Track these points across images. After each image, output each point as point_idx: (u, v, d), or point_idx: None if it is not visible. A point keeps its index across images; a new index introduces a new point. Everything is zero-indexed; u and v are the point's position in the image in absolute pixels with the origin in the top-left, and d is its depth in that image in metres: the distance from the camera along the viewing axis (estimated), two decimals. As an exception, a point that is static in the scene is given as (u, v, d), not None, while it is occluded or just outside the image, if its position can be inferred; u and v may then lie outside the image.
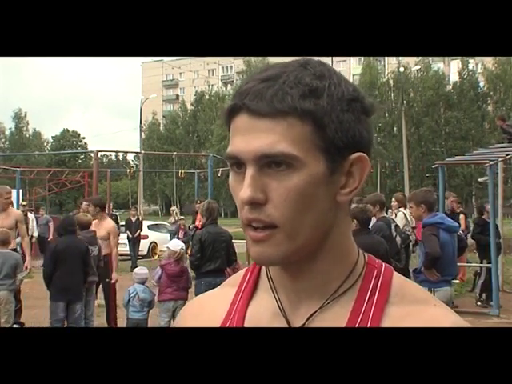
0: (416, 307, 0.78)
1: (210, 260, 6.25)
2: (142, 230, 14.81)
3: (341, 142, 0.75)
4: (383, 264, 0.84)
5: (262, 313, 0.84)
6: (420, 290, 0.82)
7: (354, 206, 7.43)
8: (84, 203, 12.43)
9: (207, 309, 0.90)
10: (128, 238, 14.78)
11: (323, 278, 0.80)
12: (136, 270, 6.72)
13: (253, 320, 0.84)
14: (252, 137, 0.75)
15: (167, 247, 6.73)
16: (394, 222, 7.51)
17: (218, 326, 0.86)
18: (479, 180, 18.29)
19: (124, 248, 15.97)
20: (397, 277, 0.82)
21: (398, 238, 7.02)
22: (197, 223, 11.72)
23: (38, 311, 7.27)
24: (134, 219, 14.93)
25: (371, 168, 0.81)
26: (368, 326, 0.77)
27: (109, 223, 7.61)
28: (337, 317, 0.79)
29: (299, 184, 0.74)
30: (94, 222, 7.28)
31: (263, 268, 0.88)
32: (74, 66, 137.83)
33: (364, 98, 0.79)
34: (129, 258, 15.14)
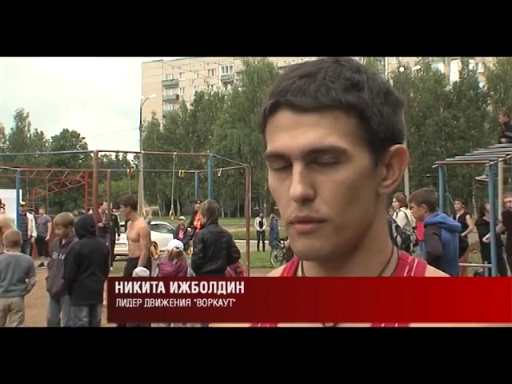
0: None
1: (211, 260, 6.20)
2: None
3: (383, 134, 0.76)
4: (416, 259, 0.83)
5: None
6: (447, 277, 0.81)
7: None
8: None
9: None
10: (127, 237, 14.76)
11: (359, 273, 0.79)
12: (136, 270, 6.67)
13: None
14: (298, 132, 0.74)
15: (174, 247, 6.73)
16: (395, 222, 7.52)
17: None
18: (477, 178, 18.29)
19: (124, 248, 15.97)
20: (430, 270, 0.82)
21: (399, 239, 7.02)
22: (195, 223, 11.73)
23: (38, 311, 7.27)
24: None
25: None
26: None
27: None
28: None
29: (348, 177, 0.74)
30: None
31: (299, 267, 0.87)
32: (74, 65, 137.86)
33: (394, 91, 0.79)
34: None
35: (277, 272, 0.92)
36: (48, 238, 14.72)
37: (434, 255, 5.02)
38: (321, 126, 0.74)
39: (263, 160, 0.81)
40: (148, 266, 6.92)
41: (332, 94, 0.73)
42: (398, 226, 7.39)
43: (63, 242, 6.14)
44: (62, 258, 5.96)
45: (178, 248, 6.65)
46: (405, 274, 0.80)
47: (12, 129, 63.71)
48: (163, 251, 7.24)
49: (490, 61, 48.21)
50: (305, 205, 0.75)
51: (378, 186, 0.78)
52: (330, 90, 0.73)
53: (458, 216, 10.18)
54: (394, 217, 8.19)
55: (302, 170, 0.74)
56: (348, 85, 0.74)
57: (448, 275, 0.83)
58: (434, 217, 5.30)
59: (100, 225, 12.00)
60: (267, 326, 0.81)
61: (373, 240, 0.80)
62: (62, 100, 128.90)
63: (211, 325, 0.84)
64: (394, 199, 9.29)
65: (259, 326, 0.83)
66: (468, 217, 10.99)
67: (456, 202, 11.10)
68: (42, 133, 66.55)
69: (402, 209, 8.85)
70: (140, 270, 6.59)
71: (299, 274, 0.87)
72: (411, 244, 7.79)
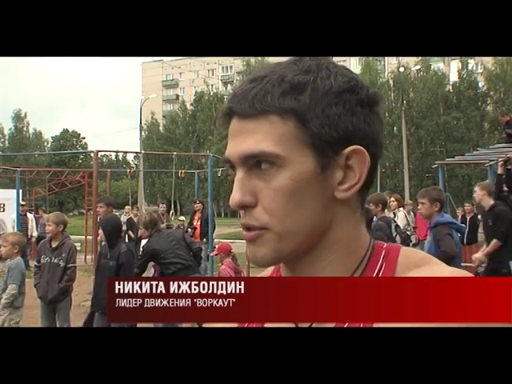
0: (418, 269, 0.75)
1: (173, 263, 6.33)
2: None
3: (329, 137, 0.74)
4: (391, 244, 0.82)
5: None
6: (423, 255, 0.80)
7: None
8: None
9: None
10: (129, 238, 14.75)
11: (327, 275, 0.78)
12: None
13: None
14: (240, 139, 0.75)
15: None
16: (395, 222, 7.52)
17: None
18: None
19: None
20: (404, 250, 0.80)
21: (398, 238, 7.02)
22: (195, 223, 11.73)
23: (38, 311, 7.25)
24: (136, 219, 14.86)
25: (369, 163, 0.77)
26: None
27: None
28: None
29: (285, 183, 0.73)
30: None
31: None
32: (73, 65, 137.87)
33: (361, 89, 0.76)
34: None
35: (266, 273, 0.91)
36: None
37: (449, 255, 5.00)
38: (257, 132, 0.73)
39: None
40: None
41: (267, 99, 0.73)
42: (397, 226, 7.39)
43: (53, 245, 5.97)
44: (55, 261, 5.85)
45: None
46: (380, 259, 0.79)
47: (10, 129, 63.73)
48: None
49: (489, 61, 48.21)
50: (246, 212, 0.75)
51: (335, 190, 0.76)
52: (267, 94, 0.73)
53: (468, 218, 10.16)
54: (393, 217, 8.19)
55: (242, 177, 0.75)
56: (287, 88, 0.73)
57: (419, 251, 0.82)
58: (441, 217, 5.30)
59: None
60: (255, 325, 0.82)
61: (336, 244, 0.78)
62: (60, 100, 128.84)
63: (208, 325, 0.85)
64: (392, 199, 9.28)
65: (254, 326, 0.83)
66: (480, 216, 11.00)
67: (466, 204, 11.06)
68: (40, 132, 66.60)
69: (401, 209, 8.86)
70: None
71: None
72: (411, 244, 7.79)
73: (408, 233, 8.00)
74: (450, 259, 5.00)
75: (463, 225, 5.99)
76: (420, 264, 0.77)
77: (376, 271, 0.78)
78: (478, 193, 6.87)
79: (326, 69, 0.76)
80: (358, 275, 0.78)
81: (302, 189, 0.74)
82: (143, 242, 7.52)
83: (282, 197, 0.73)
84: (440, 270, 0.75)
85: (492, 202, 6.81)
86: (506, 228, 6.53)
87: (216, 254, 7.03)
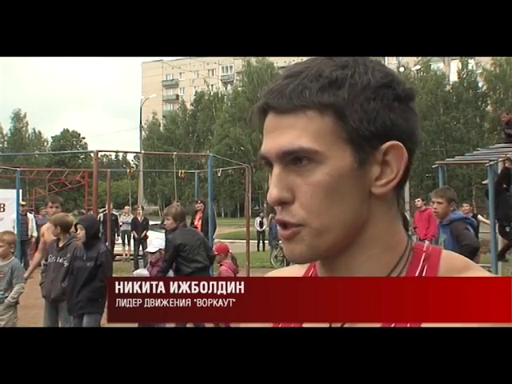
0: (461, 274, 0.75)
1: (192, 261, 6.26)
2: (148, 230, 14.65)
3: (367, 132, 0.73)
4: (431, 247, 0.81)
5: None
6: (465, 261, 0.79)
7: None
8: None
9: None
10: (134, 238, 14.71)
11: (364, 273, 0.77)
12: (138, 271, 6.56)
13: None
14: (276, 135, 0.74)
15: (159, 250, 6.64)
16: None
17: None
18: (483, 182, 18.31)
19: (122, 248, 15.97)
20: (446, 253, 0.79)
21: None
22: (195, 223, 11.72)
23: (38, 311, 7.24)
24: (140, 219, 14.84)
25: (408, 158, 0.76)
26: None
27: None
28: None
29: (323, 179, 0.73)
30: (46, 226, 6.68)
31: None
32: (73, 65, 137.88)
33: (398, 84, 0.76)
34: (131, 258, 15.14)
35: (302, 266, 0.90)
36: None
37: (473, 247, 5.06)
38: (295, 128, 0.73)
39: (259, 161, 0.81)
40: None
41: (305, 94, 0.72)
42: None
43: (60, 244, 5.96)
44: (60, 261, 5.83)
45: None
46: (420, 262, 0.78)
47: (10, 129, 63.71)
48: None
49: (488, 61, 48.20)
50: (283, 208, 0.74)
51: (372, 185, 0.75)
52: (305, 90, 0.73)
53: None
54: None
55: (280, 173, 0.74)
56: (325, 83, 0.73)
57: (460, 255, 0.81)
58: (455, 214, 5.40)
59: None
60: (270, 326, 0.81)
61: (373, 240, 0.77)
62: (60, 100, 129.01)
63: (209, 324, 0.85)
64: None
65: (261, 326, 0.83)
66: (480, 216, 11.08)
67: (464, 204, 11.09)
68: (40, 132, 66.58)
69: None
70: (141, 271, 6.51)
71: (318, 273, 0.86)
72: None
73: (409, 233, 8.01)
74: (474, 252, 5.04)
75: (474, 220, 6.08)
76: (462, 270, 0.76)
77: (417, 274, 0.77)
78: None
79: (363, 64, 0.75)
80: (396, 275, 0.78)
81: (340, 185, 0.73)
82: (151, 240, 7.44)
83: (320, 193, 0.73)
84: (483, 275, 0.75)
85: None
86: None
87: (216, 255, 7.03)
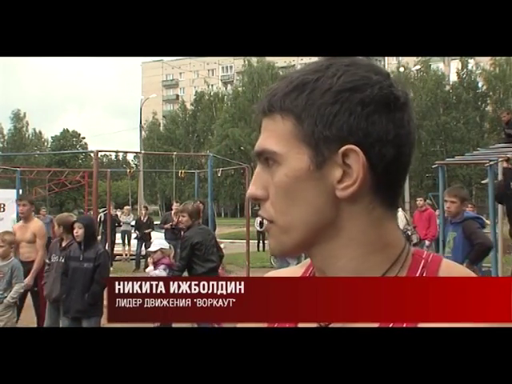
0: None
1: (206, 260, 6.17)
2: (153, 230, 14.62)
3: (322, 135, 0.75)
4: (431, 254, 0.81)
5: None
6: (467, 271, 0.80)
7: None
8: (175, 203, 12.18)
9: None
10: (137, 237, 14.69)
11: (350, 273, 0.78)
12: (157, 272, 6.38)
13: None
14: (260, 135, 0.81)
15: (161, 249, 6.60)
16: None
17: None
18: (482, 182, 18.33)
19: (120, 248, 15.97)
20: (446, 262, 0.80)
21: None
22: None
23: (47, 309, 7.24)
24: (144, 219, 14.81)
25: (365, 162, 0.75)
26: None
27: (36, 223, 6.76)
28: None
29: (281, 179, 0.77)
30: (18, 225, 6.63)
31: None
32: (73, 65, 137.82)
33: (371, 87, 0.75)
34: (131, 258, 15.14)
35: (302, 265, 0.92)
36: (52, 236, 14.80)
37: (487, 246, 5.08)
38: (266, 130, 0.80)
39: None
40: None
41: (273, 99, 0.78)
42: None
43: (63, 244, 5.94)
44: (62, 260, 5.78)
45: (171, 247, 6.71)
46: (419, 269, 0.78)
47: (10, 129, 63.70)
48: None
49: (488, 61, 48.21)
50: (261, 205, 0.81)
51: (335, 188, 0.76)
52: (276, 94, 0.78)
53: None
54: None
55: (258, 172, 0.81)
56: (290, 88, 0.77)
57: (460, 265, 0.82)
58: (466, 213, 5.43)
59: (167, 226, 11.92)
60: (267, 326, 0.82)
61: (353, 242, 0.78)
62: (59, 100, 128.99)
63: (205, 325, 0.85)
64: None
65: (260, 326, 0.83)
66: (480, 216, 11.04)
67: (470, 205, 11.08)
68: (40, 132, 66.58)
69: (400, 209, 8.86)
70: (158, 273, 6.34)
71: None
72: (411, 244, 7.78)
73: (409, 232, 8.00)
74: (487, 251, 5.05)
75: (484, 220, 6.09)
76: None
77: None
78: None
79: (336, 68, 0.76)
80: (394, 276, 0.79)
81: (298, 185, 0.77)
82: (155, 240, 7.40)
83: (280, 192, 0.78)
84: None
85: None
86: None
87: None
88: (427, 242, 10.77)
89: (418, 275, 0.78)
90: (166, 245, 6.78)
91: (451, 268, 0.79)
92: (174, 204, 12.47)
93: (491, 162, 9.30)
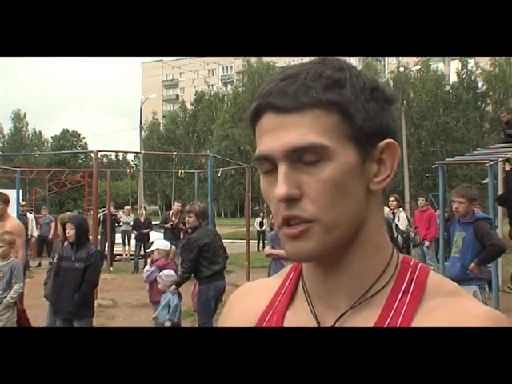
0: (449, 299, 0.76)
1: (213, 263, 6.11)
2: (152, 230, 14.59)
3: (369, 130, 0.76)
4: (419, 263, 0.82)
5: (299, 314, 0.83)
6: (455, 286, 0.80)
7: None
8: (176, 203, 12.13)
9: (254, 294, 0.91)
10: (136, 238, 14.69)
11: (355, 275, 0.79)
12: (166, 272, 6.22)
13: (289, 321, 0.84)
14: (280, 133, 0.75)
15: (157, 249, 6.57)
16: (394, 222, 7.54)
17: (258, 314, 0.87)
18: (482, 182, 18.31)
19: (120, 248, 15.94)
20: (433, 275, 0.81)
21: (400, 238, 7.04)
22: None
23: (38, 311, 7.26)
24: (142, 219, 14.80)
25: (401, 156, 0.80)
26: (399, 322, 0.76)
27: (14, 222, 6.47)
28: (367, 317, 0.77)
29: (333, 175, 0.74)
30: None
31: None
32: (73, 64, 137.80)
33: (384, 88, 0.79)
34: (131, 258, 15.13)
35: (284, 270, 0.92)
36: (51, 237, 14.81)
37: (500, 247, 5.04)
38: (302, 125, 0.74)
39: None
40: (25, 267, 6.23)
41: (312, 92, 0.74)
42: (397, 226, 7.41)
43: (65, 244, 5.84)
44: (55, 261, 5.76)
45: (174, 247, 6.67)
46: (407, 277, 0.79)
47: (10, 129, 63.65)
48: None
49: (487, 61, 48.20)
50: (292, 205, 0.74)
51: (370, 182, 0.77)
52: (310, 89, 0.74)
53: None
54: (391, 217, 8.20)
55: (287, 171, 0.74)
56: (329, 83, 0.75)
57: (448, 279, 0.82)
58: (478, 213, 5.36)
59: (168, 226, 11.85)
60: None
61: (368, 238, 0.79)
62: (59, 100, 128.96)
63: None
64: (392, 198, 9.29)
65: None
66: None
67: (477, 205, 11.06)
68: (40, 132, 66.55)
69: (401, 210, 8.88)
70: (168, 272, 6.21)
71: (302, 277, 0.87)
72: (411, 244, 7.81)
73: (411, 233, 8.02)
74: (500, 252, 5.02)
75: (493, 220, 6.08)
76: (452, 293, 0.78)
77: (403, 288, 0.79)
78: None
79: (353, 67, 0.78)
80: (385, 282, 0.79)
81: (347, 181, 0.75)
82: (156, 240, 7.35)
83: (330, 188, 0.74)
84: (472, 306, 0.76)
85: None
86: None
87: None
88: (427, 243, 10.77)
89: (406, 282, 0.79)
90: (164, 245, 6.76)
91: (440, 280, 0.80)
92: (176, 204, 12.45)
93: (491, 162, 9.30)
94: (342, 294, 0.79)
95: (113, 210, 14.54)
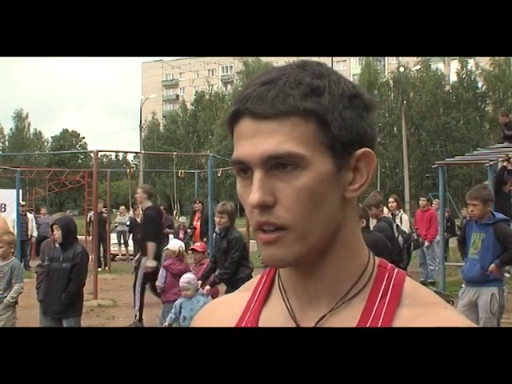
0: (427, 309, 0.77)
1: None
2: None
3: (345, 139, 0.75)
4: (395, 268, 0.83)
5: (275, 318, 0.83)
6: (431, 294, 0.81)
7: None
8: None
9: (221, 311, 0.90)
10: (133, 238, 14.69)
11: (334, 279, 0.80)
12: (188, 276, 6.03)
13: (265, 325, 0.83)
14: (257, 140, 0.74)
15: (166, 248, 6.65)
16: (395, 222, 7.54)
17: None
18: (484, 183, 18.32)
19: (116, 248, 15.91)
20: (409, 280, 0.82)
21: (400, 238, 7.04)
22: (194, 223, 11.69)
23: (38, 311, 7.26)
24: (139, 219, 14.78)
25: (377, 164, 0.81)
26: (379, 326, 0.76)
27: None
28: (347, 319, 0.78)
29: (308, 183, 0.74)
30: None
31: (277, 273, 0.87)
32: (73, 64, 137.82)
33: (363, 95, 0.79)
34: (131, 258, 15.12)
35: (251, 282, 0.92)
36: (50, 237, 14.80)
37: None
38: (279, 133, 0.74)
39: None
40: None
41: (290, 100, 0.73)
42: (398, 226, 7.41)
43: (56, 246, 5.74)
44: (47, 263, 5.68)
45: (182, 247, 6.66)
46: (384, 281, 0.80)
47: (11, 129, 63.68)
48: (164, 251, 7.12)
49: (487, 61, 48.19)
50: (266, 211, 0.75)
51: (345, 190, 0.78)
52: (288, 96, 0.74)
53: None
54: (390, 217, 8.20)
55: (262, 177, 0.74)
56: (307, 91, 0.74)
57: (423, 286, 0.83)
58: (497, 214, 5.31)
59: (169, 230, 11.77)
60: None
61: (345, 243, 0.80)
62: (59, 100, 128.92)
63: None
64: (392, 199, 9.29)
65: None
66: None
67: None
68: (40, 132, 66.55)
69: (401, 211, 8.91)
70: (189, 275, 6.12)
71: (276, 281, 0.87)
72: (412, 244, 7.81)
73: (414, 235, 8.06)
74: None
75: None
76: (427, 303, 0.79)
77: (381, 291, 0.80)
78: (140, 194, 7.10)
79: (334, 74, 0.78)
80: (363, 285, 0.80)
81: (322, 189, 0.75)
82: (171, 241, 7.32)
83: (305, 197, 0.74)
84: (449, 318, 0.77)
85: (149, 204, 7.13)
86: None
87: (200, 253, 6.89)
88: (427, 243, 10.78)
89: (383, 286, 0.80)
90: (172, 245, 6.74)
91: (417, 287, 0.81)
92: (196, 204, 12.26)
93: (491, 162, 9.30)
94: (321, 297, 0.80)
95: (103, 209, 14.47)
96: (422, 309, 0.77)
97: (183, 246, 6.79)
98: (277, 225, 0.75)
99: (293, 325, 0.81)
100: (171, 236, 12.10)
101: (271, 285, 0.88)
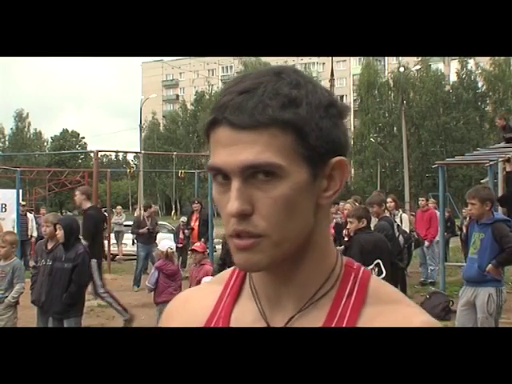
0: (389, 307, 0.79)
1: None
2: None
3: (322, 149, 0.77)
4: (361, 267, 0.85)
5: (246, 316, 0.85)
6: (395, 292, 0.83)
7: (357, 205, 7.47)
8: (153, 206, 12.09)
9: (193, 304, 0.91)
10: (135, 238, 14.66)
11: (303, 281, 0.81)
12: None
13: (237, 323, 0.84)
14: (236, 149, 0.75)
15: (157, 248, 6.64)
16: (395, 222, 7.54)
17: (203, 322, 0.87)
18: (481, 182, 18.32)
19: (126, 248, 15.89)
20: (374, 279, 0.84)
21: (401, 238, 7.05)
22: (192, 224, 11.66)
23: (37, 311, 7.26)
24: (142, 218, 14.74)
25: (349, 170, 0.82)
26: (344, 326, 0.78)
27: None
28: (314, 320, 0.80)
29: (285, 193, 0.75)
30: None
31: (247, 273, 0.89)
32: (73, 64, 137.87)
33: (337, 102, 0.80)
34: (133, 258, 15.12)
35: (222, 276, 0.93)
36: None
37: None
38: (258, 143, 0.74)
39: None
40: None
41: (268, 111, 0.74)
42: (399, 226, 7.41)
43: (49, 246, 5.80)
44: (50, 263, 5.64)
45: (171, 249, 6.65)
46: (350, 280, 0.82)
47: (12, 129, 63.70)
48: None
49: (488, 61, 48.20)
50: (243, 220, 0.76)
51: (319, 197, 0.79)
52: (267, 107, 0.74)
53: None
54: (393, 217, 8.20)
55: (240, 186, 0.75)
56: (285, 101, 0.74)
57: (388, 284, 0.85)
58: (497, 214, 5.32)
59: (145, 230, 11.75)
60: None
61: (316, 246, 0.81)
62: (59, 100, 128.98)
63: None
64: (390, 199, 9.30)
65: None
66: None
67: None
68: (40, 132, 66.57)
69: (401, 211, 8.92)
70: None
71: (247, 280, 0.88)
72: (412, 244, 7.82)
73: (415, 235, 8.07)
74: None
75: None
76: (392, 300, 0.80)
77: (347, 292, 0.81)
78: (78, 196, 7.18)
79: (310, 82, 0.78)
80: (330, 286, 0.82)
81: (298, 198, 0.76)
82: (161, 242, 7.34)
83: (281, 205, 0.75)
84: (411, 315, 0.78)
85: (89, 204, 7.14)
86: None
87: (201, 253, 6.88)
88: (427, 243, 10.78)
89: (349, 286, 0.82)
90: (161, 246, 6.75)
91: (381, 285, 0.83)
92: (153, 206, 12.37)
93: (491, 162, 9.30)
94: (291, 298, 0.82)
95: (103, 209, 14.48)
96: (385, 306, 0.79)
97: (172, 247, 6.78)
98: (254, 233, 0.76)
99: (263, 324, 0.82)
100: (159, 236, 12.11)
101: (242, 282, 0.89)
